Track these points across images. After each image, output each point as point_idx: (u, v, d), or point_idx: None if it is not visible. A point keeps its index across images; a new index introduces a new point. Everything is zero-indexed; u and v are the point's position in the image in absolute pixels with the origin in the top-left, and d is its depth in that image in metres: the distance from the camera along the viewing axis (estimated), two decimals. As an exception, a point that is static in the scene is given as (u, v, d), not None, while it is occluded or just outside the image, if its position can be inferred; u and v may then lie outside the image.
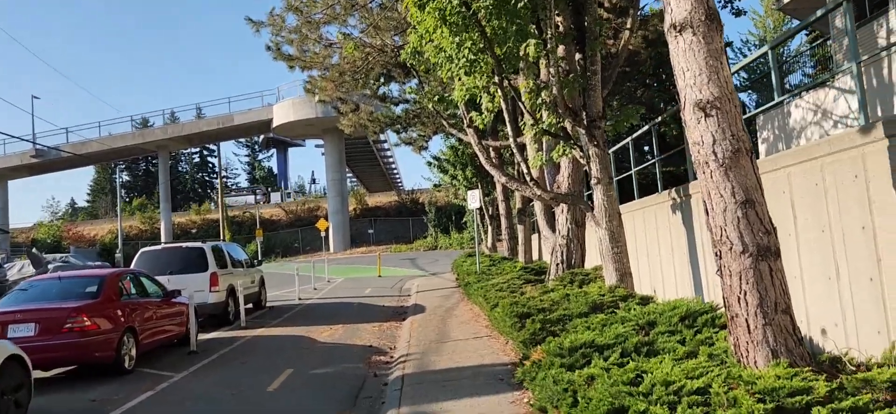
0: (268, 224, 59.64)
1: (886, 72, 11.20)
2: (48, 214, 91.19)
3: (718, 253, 5.09)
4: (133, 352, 10.23)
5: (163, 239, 58.65)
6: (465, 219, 49.72)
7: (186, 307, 12.34)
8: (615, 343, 6.30)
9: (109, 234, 61.54)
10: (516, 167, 19.62)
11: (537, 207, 15.28)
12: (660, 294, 10.59)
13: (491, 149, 16.84)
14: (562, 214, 13.43)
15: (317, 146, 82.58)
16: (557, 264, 13.60)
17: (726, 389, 4.25)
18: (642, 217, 11.90)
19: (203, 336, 13.77)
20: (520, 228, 19.51)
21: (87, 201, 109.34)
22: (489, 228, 26.71)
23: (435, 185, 28.70)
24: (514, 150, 11.61)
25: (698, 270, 9.43)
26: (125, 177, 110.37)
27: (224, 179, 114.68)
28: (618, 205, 9.85)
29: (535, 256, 20.15)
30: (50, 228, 57.65)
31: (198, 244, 15.48)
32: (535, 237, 21.17)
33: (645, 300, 8.93)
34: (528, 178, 11.02)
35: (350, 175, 75.77)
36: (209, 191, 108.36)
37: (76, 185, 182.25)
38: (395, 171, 76.50)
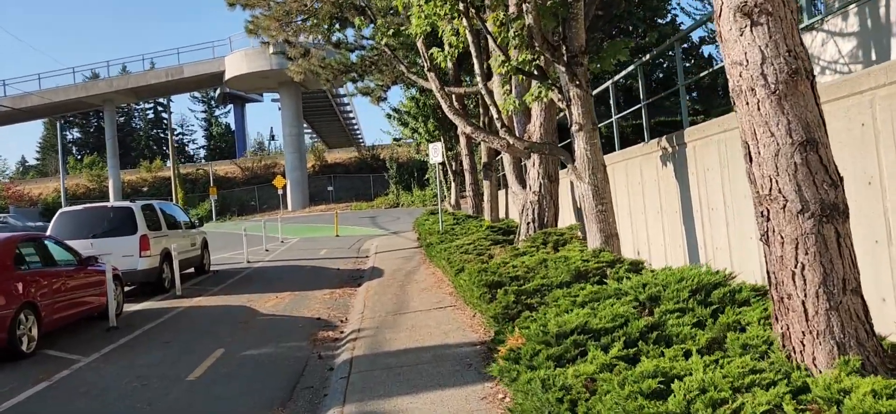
0: (223, 182, 57.33)
1: (883, 11, 9.98)
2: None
3: (765, 212, 3.76)
4: (34, 332, 8.63)
5: (111, 198, 55.98)
6: (427, 175, 48.26)
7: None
8: (614, 326, 4.99)
9: (55, 192, 58.53)
10: (482, 117, 18.19)
11: (506, 160, 13.92)
12: (646, 259, 9.36)
13: (454, 97, 15.36)
14: (533, 167, 12.12)
15: (273, 100, 79.76)
16: (528, 223, 12.33)
17: (801, 408, 2.95)
18: (624, 171, 10.62)
19: (131, 307, 12.19)
20: (485, 184, 18.18)
21: (37, 159, 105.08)
22: (452, 185, 25.32)
23: (394, 139, 27.11)
24: (484, 94, 10.19)
25: (694, 233, 8.20)
26: (76, 133, 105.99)
27: (179, 136, 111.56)
28: (602, 155, 8.52)
29: (502, 214, 18.87)
30: None
31: (125, 203, 13.75)
32: (502, 194, 19.85)
33: (636, 266, 7.66)
34: (499, 126, 9.61)
35: (309, 131, 73.45)
36: (165, 148, 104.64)
37: (26, 142, 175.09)
38: (356, 127, 74.41)
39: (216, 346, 8.56)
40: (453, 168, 25.09)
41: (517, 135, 13.33)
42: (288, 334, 9.13)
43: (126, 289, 14.05)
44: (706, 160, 7.69)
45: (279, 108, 55.33)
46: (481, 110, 18.12)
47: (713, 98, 28.23)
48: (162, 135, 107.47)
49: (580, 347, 4.87)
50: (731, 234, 7.33)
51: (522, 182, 13.61)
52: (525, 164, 12.38)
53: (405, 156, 52.96)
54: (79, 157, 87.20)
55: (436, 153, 17.17)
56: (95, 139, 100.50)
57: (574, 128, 8.36)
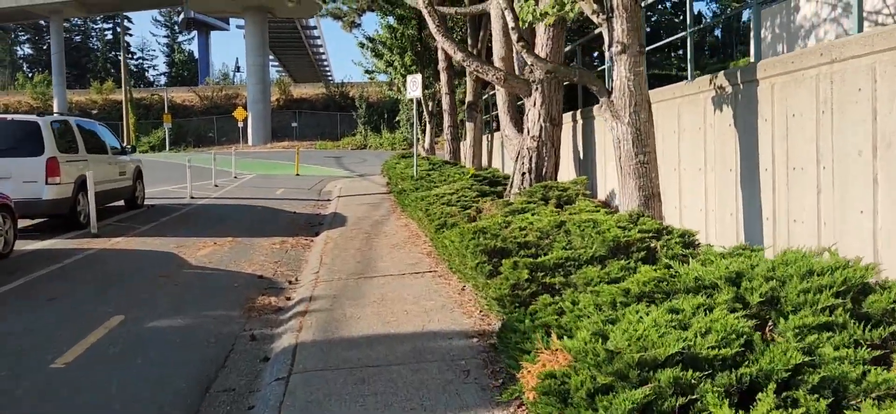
0: (180, 110, 53.95)
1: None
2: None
3: None
4: None
5: (56, 118, 52.27)
6: (397, 118, 45.78)
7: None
8: (735, 355, 2.96)
9: (-6, 108, 54.46)
10: (470, 48, 15.87)
11: (500, 99, 11.74)
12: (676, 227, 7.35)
13: (441, 16, 13.00)
14: (534, 107, 10.04)
15: (238, 27, 75.64)
16: (523, 174, 10.29)
17: None
18: (654, 117, 8.54)
19: (29, 245, 9.84)
20: (468, 126, 15.95)
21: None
22: (427, 127, 23.03)
23: (367, 72, 24.58)
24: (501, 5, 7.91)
25: (757, 199, 6.18)
26: (27, 49, 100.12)
27: (139, 61, 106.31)
28: (647, 89, 6.40)
29: (484, 162, 16.73)
30: None
31: (30, 117, 11.22)
32: (485, 139, 17.65)
33: (688, 240, 5.64)
34: (516, 39, 7.44)
35: (275, 63, 69.98)
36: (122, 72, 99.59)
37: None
38: (325, 62, 71.10)
39: (117, 309, 6.33)
40: (429, 109, 22.79)
41: (515, 66, 11.16)
42: (217, 297, 6.94)
43: (31, 222, 11.67)
44: (793, 103, 5.62)
45: (244, 36, 51.91)
46: (470, 40, 15.81)
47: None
48: (120, 57, 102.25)
49: (685, 390, 2.81)
50: (823, 203, 5.32)
51: (518, 125, 11.49)
52: (524, 103, 10.25)
53: (376, 95, 50.31)
54: (29, 75, 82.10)
55: (414, 86, 14.88)
56: (48, 57, 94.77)
57: (615, 50, 6.19)
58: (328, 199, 16.88)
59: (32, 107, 55.57)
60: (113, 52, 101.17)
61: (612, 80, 6.36)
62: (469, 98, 15.91)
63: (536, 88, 9.93)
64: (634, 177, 6.23)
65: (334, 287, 6.96)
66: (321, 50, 66.31)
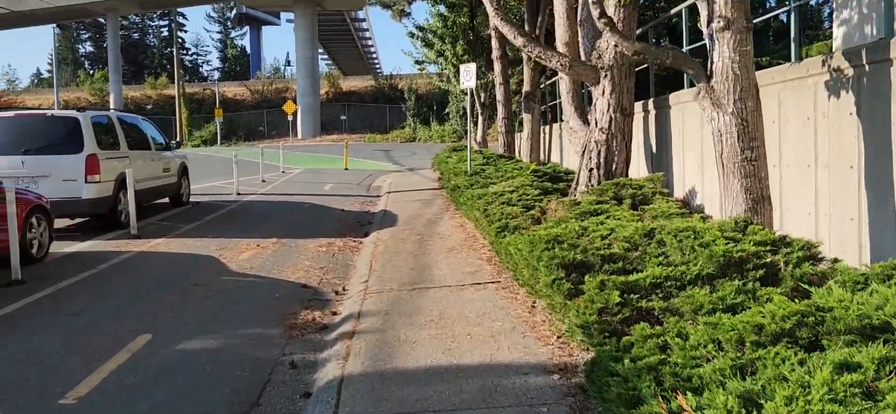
0: (230, 104, 54.22)
1: None
2: (3, 83, 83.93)
3: None
4: None
5: (112, 114, 53.16)
6: (447, 110, 44.91)
7: (24, 204, 7.89)
8: None
9: (52, 105, 55.75)
10: (535, 30, 14.87)
11: (563, 88, 10.78)
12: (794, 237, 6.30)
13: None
14: (602, 96, 9.12)
15: (288, 21, 75.93)
16: (591, 170, 9.35)
17: None
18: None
19: (69, 247, 9.35)
20: (526, 118, 14.97)
21: (49, 71, 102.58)
22: (479, 119, 22.14)
23: (416, 62, 23.83)
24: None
25: (891, 203, 5.14)
26: (88, 47, 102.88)
27: (193, 57, 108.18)
28: (754, 72, 5.39)
29: (542, 156, 15.75)
30: None
31: (70, 113, 10.78)
32: (543, 132, 16.64)
33: (811, 253, 4.65)
34: (597, 15, 6.56)
35: (324, 56, 69.99)
36: (181, 68, 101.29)
37: (41, 55, 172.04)
38: (373, 54, 70.75)
39: (146, 325, 5.67)
40: (481, 100, 21.88)
41: (581, 52, 10.18)
42: (256, 312, 6.22)
43: (72, 222, 11.24)
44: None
45: (294, 29, 51.78)
46: (527, 26, 14.84)
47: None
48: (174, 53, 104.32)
49: None
50: None
51: (583, 116, 10.53)
52: (592, 91, 9.30)
53: (425, 87, 49.54)
54: (90, 71, 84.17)
55: (467, 76, 13.99)
56: (108, 54, 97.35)
57: (716, 26, 5.20)
58: (377, 196, 16.17)
59: (90, 102, 56.69)
60: (169, 49, 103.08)
61: (712, 63, 5.37)
62: (526, 88, 14.95)
63: (605, 75, 8.98)
64: (740, 176, 5.24)
65: (385, 300, 6.17)
66: (370, 42, 65.96)
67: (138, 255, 8.89)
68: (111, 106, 52.77)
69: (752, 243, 4.62)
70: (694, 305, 4.08)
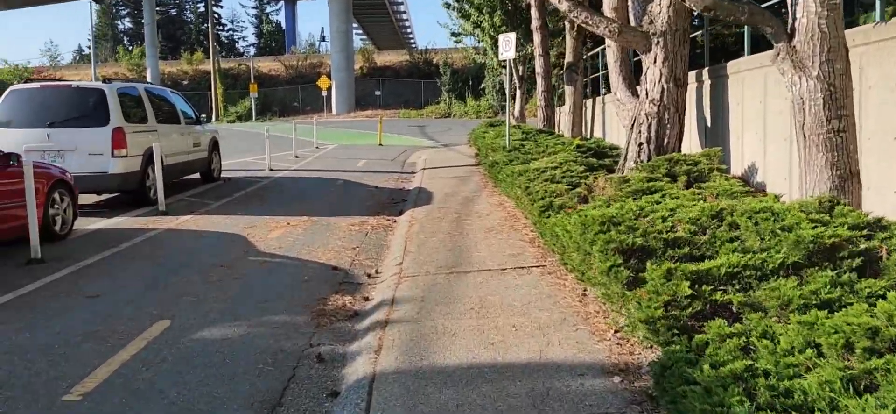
0: (265, 79, 54.15)
1: None
2: (47, 59, 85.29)
3: None
4: None
5: (149, 89, 53.50)
6: (483, 85, 44.16)
7: (46, 179, 7.58)
8: None
9: (92, 80, 56.40)
10: None
11: (611, 56, 10.11)
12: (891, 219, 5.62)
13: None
14: (653, 64, 8.49)
15: (324, -3, 75.40)
16: (641, 144, 8.74)
17: None
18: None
19: (94, 224, 9.06)
20: (567, 91, 14.27)
21: (89, 47, 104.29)
22: (517, 93, 21.43)
23: (452, 34, 23.18)
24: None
25: None
26: (127, 23, 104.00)
27: (229, 33, 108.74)
28: (844, 30, 4.72)
29: (585, 131, 15.06)
30: (14, 72, 50.03)
31: (96, 84, 10.49)
32: (587, 104, 15.90)
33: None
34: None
35: (358, 30, 69.52)
36: (217, 43, 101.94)
37: (82, 30, 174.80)
38: (408, 28, 70.03)
39: (162, 313, 5.27)
40: (519, 73, 21.16)
41: (630, 18, 9.48)
42: (282, 297, 5.78)
43: (100, 198, 10.99)
44: None
45: (328, 2, 51.31)
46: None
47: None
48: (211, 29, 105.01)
49: None
50: None
51: (632, 87, 9.87)
52: (642, 60, 8.65)
53: (460, 62, 48.79)
54: (129, 47, 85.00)
55: (507, 46, 13.37)
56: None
57: (799, -24, 4.54)
58: (412, 172, 15.69)
59: (127, 77, 57.24)
60: (205, 25, 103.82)
61: (794, 19, 4.71)
62: (568, 58, 14.24)
63: (657, 42, 8.33)
64: (825, 150, 4.60)
65: (421, 285, 5.68)
66: (404, 16, 65.26)
67: (165, 233, 8.55)
68: (147, 80, 53.14)
69: (845, 227, 4.00)
70: (780, 300, 3.50)
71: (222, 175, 14.33)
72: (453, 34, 23.26)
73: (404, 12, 64.15)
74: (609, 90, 15.54)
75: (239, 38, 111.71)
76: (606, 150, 11.51)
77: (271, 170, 15.74)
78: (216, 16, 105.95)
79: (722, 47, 13.48)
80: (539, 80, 17.68)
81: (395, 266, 6.57)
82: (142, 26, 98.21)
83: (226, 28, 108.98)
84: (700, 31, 11.05)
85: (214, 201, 11.09)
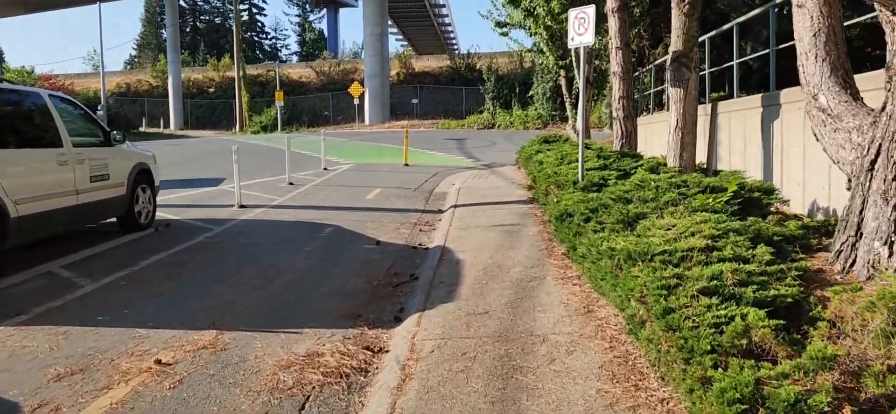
0: (295, 87, 50.32)
1: None
2: (90, 67, 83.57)
3: None
4: None
5: (171, 99, 50.20)
6: (531, 91, 39.30)
7: None
8: None
9: (117, 87, 53.43)
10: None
11: (805, 27, 5.29)
12: None
13: None
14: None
15: (362, 0, 71.54)
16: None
17: None
18: None
19: None
20: (675, 94, 9.34)
21: (133, 56, 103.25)
22: (581, 99, 16.62)
23: (497, 24, 18.52)
24: None
25: None
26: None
27: (272, 41, 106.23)
28: None
29: (700, 155, 10.15)
30: (18, 74, 45.07)
31: None
32: (703, 116, 10.87)
33: None
34: None
35: (398, 35, 65.42)
36: (256, 52, 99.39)
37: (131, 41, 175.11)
38: (450, 30, 65.52)
39: None
40: (585, 74, 16.30)
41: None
42: None
43: None
44: None
45: (361, 4, 47.19)
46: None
47: None
48: (255, 37, 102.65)
49: None
50: None
51: (851, 87, 5.06)
52: (860, 45, 3.78)
53: (506, 66, 44.09)
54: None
55: (583, 27, 8.67)
56: (191, 39, 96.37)
57: None
58: (439, 211, 11.05)
59: (152, 85, 54.12)
60: (249, 33, 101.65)
61: None
62: (675, 47, 9.36)
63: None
64: None
65: None
66: (446, 18, 60.75)
67: None
68: (169, 87, 49.73)
69: None
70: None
71: (158, 218, 9.91)
72: (498, 24, 18.56)
73: (446, 14, 59.71)
74: (748, 91, 10.58)
75: (282, 46, 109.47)
76: (760, 198, 6.71)
77: (242, 206, 11.28)
78: (259, 24, 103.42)
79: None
80: (616, 83, 12.85)
81: None
82: (184, 35, 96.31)
83: (269, 36, 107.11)
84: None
85: (90, 281, 6.59)
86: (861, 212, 4.30)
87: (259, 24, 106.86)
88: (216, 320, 5.31)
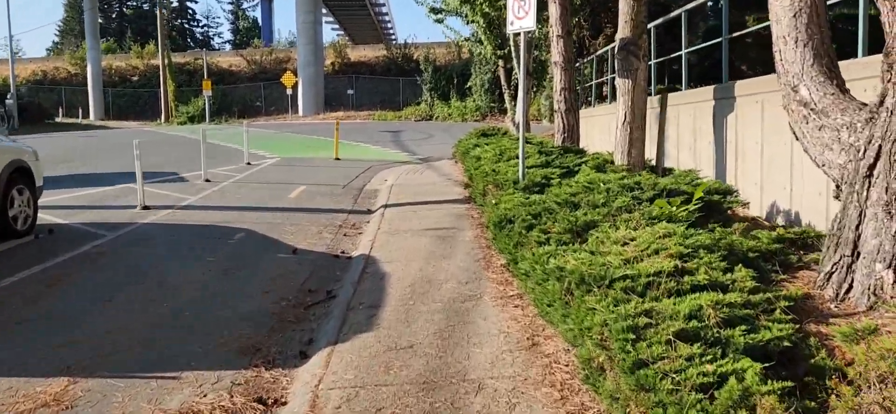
0: (225, 76, 48.20)
1: None
2: (6, 53, 78.35)
3: None
4: None
5: (90, 87, 47.37)
6: (469, 83, 38.59)
7: None
8: None
9: (33, 75, 50.17)
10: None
11: (780, 7, 4.56)
12: None
13: None
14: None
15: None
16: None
17: None
18: None
19: None
20: (623, 85, 8.60)
21: (55, 43, 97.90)
22: (519, 90, 15.91)
23: (432, 10, 17.62)
24: None
25: None
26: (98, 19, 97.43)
27: (204, 29, 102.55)
28: None
29: (649, 151, 9.47)
30: None
31: None
32: (651, 109, 10.20)
33: None
34: None
35: (333, 24, 63.73)
36: (187, 40, 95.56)
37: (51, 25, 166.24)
38: (387, 21, 64.20)
39: None
40: (524, 63, 15.56)
41: None
42: None
43: None
44: None
45: (294, -10, 45.41)
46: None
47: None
48: (185, 25, 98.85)
49: None
50: None
51: (837, 78, 4.32)
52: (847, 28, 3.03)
53: (444, 57, 43.25)
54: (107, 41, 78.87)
55: (523, 9, 7.85)
56: (117, 25, 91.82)
57: None
58: (368, 212, 10.09)
59: (71, 73, 51.04)
60: (179, 21, 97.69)
61: None
62: (623, 34, 8.63)
63: None
64: None
65: None
66: (383, 7, 59.35)
67: None
68: (88, 74, 47.00)
69: None
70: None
71: (43, 221, 8.63)
72: (433, 10, 17.64)
73: (383, 3, 58.36)
74: (697, 83, 10.02)
75: (214, 35, 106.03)
76: (720, 202, 6.03)
77: (147, 207, 10.05)
78: (190, 11, 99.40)
79: None
80: (557, 73, 12.13)
81: None
82: (111, 20, 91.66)
83: (200, 24, 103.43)
84: None
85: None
86: (858, 227, 3.58)
87: (190, 11, 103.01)
88: (73, 363, 4.25)
